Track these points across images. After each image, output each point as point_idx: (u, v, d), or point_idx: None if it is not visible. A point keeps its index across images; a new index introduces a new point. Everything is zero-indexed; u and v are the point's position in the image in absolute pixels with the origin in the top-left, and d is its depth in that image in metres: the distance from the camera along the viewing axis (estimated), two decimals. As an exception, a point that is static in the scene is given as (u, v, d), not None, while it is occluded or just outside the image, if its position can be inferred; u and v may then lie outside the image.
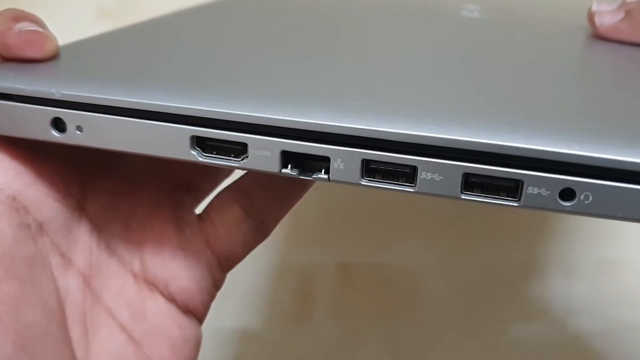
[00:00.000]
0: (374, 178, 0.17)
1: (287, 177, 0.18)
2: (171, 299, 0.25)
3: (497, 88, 0.20)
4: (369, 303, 0.56)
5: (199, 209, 0.27)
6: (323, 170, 0.18)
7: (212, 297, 0.26)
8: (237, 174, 0.25)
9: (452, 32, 0.29)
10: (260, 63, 0.22)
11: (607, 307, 0.54)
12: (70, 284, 0.23)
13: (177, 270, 0.25)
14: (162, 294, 0.25)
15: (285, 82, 0.20)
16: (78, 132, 0.19)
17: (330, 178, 0.18)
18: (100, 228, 0.24)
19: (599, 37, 0.28)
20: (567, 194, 0.16)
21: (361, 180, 0.17)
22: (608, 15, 0.27)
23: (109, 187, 0.25)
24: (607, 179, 0.15)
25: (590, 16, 0.28)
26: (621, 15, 0.27)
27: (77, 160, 0.24)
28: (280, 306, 0.55)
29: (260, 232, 0.26)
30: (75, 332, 0.23)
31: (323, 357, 0.55)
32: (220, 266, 0.26)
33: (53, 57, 0.21)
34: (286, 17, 0.31)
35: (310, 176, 0.18)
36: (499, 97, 0.19)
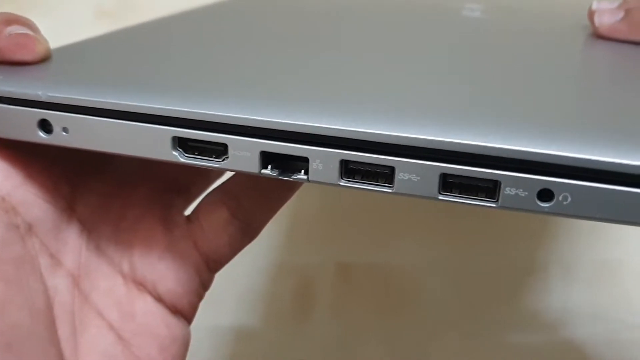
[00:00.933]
0: (353, 178, 0.17)
1: (273, 178, 0.18)
2: (159, 299, 0.25)
3: (483, 88, 0.20)
4: (369, 303, 0.56)
5: (188, 210, 0.27)
6: (303, 171, 0.18)
7: (200, 297, 0.26)
8: (228, 175, 0.26)
9: (449, 32, 0.29)
10: (243, 64, 0.22)
11: (607, 308, 0.54)
12: (59, 284, 0.23)
13: (165, 272, 0.25)
14: (150, 294, 0.25)
15: (266, 82, 0.20)
16: (64, 133, 0.20)
17: (309, 179, 0.18)
18: (90, 229, 0.25)
19: (598, 36, 0.28)
20: (546, 194, 0.16)
21: (340, 181, 0.17)
22: (607, 15, 0.27)
23: (99, 188, 0.25)
24: (585, 179, 0.15)
25: (591, 14, 0.28)
26: (620, 14, 0.27)
27: (68, 161, 0.24)
28: (279, 306, 0.56)
29: (247, 233, 0.26)
30: (63, 332, 0.23)
31: (322, 356, 0.55)
32: (208, 267, 0.26)
33: (44, 59, 0.22)
34: (275, 17, 0.31)
35: (290, 176, 0.18)
36: (482, 97, 0.19)
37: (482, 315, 0.55)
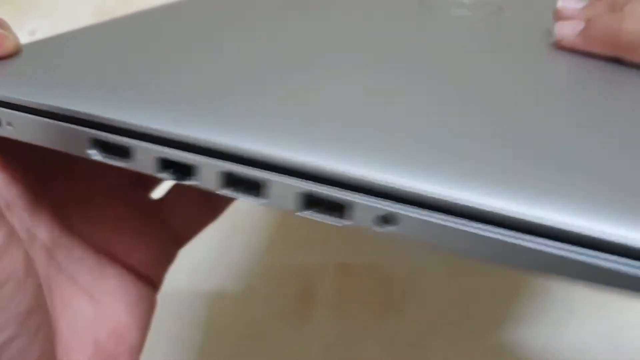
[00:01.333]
0: (234, 188, 0.18)
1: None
2: (129, 268, 0.27)
3: (386, 107, 0.20)
4: (369, 303, 0.56)
5: (158, 193, 0.29)
6: (194, 177, 0.19)
7: (165, 270, 0.29)
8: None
9: (413, 37, 0.29)
10: (169, 68, 0.23)
11: (607, 307, 0.53)
12: (35, 255, 0.25)
13: (134, 247, 0.27)
14: (120, 263, 0.27)
15: (177, 89, 0.21)
16: (9, 127, 0.22)
17: (199, 185, 0.19)
18: (63, 208, 0.27)
19: (559, 48, 0.27)
20: (386, 219, 0.16)
21: (220, 190, 0.18)
22: (568, 28, 0.27)
23: (71, 173, 0.27)
24: (425, 207, 0.15)
25: (556, 16, 0.27)
26: (581, 26, 0.26)
27: (41, 150, 0.25)
28: (279, 306, 0.56)
29: (211, 215, 0.28)
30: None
31: (323, 356, 0.55)
32: (174, 244, 0.28)
33: (12, 55, 0.23)
34: (221, 19, 0.31)
35: (184, 180, 0.19)
36: (365, 115, 0.19)
37: (482, 315, 0.55)
